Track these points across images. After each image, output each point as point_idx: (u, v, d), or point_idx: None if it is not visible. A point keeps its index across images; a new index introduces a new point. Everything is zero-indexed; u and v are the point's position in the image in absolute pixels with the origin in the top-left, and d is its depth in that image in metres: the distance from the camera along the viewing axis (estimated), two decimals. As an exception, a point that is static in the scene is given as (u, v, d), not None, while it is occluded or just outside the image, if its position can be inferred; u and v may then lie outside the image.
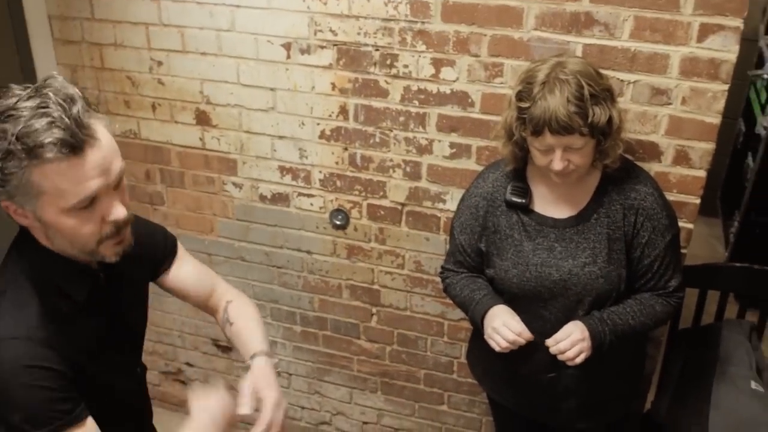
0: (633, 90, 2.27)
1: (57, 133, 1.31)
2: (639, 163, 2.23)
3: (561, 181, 2.02)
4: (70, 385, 1.46)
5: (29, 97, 1.34)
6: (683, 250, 2.41)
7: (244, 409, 1.65)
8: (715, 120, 2.25)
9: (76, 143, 1.33)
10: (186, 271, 1.92)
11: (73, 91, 1.38)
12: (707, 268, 2.76)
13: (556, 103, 1.88)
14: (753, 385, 2.57)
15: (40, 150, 1.31)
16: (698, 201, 2.38)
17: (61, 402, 1.44)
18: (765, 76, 3.91)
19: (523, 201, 2.12)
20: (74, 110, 1.34)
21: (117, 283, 1.64)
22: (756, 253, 3.77)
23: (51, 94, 1.34)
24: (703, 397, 2.55)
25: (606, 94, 1.95)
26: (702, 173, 2.33)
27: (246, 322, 1.90)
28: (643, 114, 2.28)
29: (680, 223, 2.29)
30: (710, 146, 2.29)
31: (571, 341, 2.01)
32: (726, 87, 2.22)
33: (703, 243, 4.45)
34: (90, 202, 1.40)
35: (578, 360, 2.01)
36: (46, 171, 1.33)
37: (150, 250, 1.82)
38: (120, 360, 1.71)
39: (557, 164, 1.95)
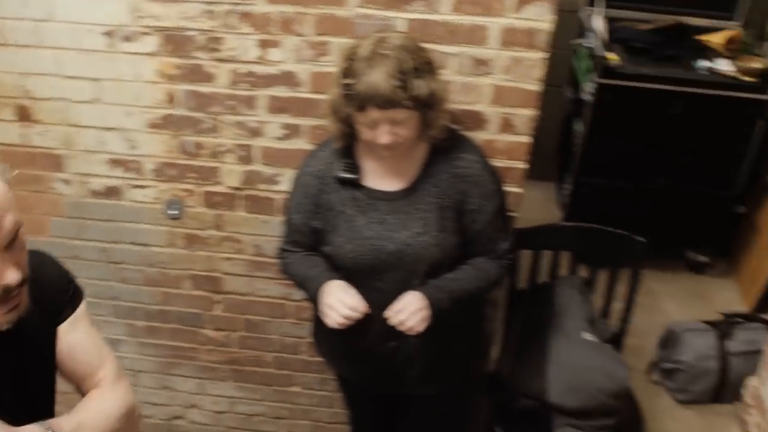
0: (456, 62, 2.32)
1: None
2: (466, 133, 2.30)
3: (388, 154, 2.06)
4: None
5: None
6: (515, 214, 2.51)
7: None
8: (535, 87, 2.34)
9: None
10: (80, 335, 1.60)
11: None
12: (540, 230, 2.89)
13: (378, 77, 1.90)
14: (585, 335, 2.72)
15: None
16: (525, 166, 2.49)
17: None
18: (585, 45, 4.09)
19: (354, 177, 2.14)
20: None
21: (19, 342, 1.41)
22: (588, 213, 3.95)
23: None
24: (541, 352, 2.68)
25: (428, 67, 2.00)
26: (526, 139, 2.43)
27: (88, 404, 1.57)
28: (467, 85, 2.35)
29: (509, 188, 2.38)
30: (532, 113, 2.39)
31: (409, 311, 2.05)
32: (543, 55, 2.30)
33: (541, 207, 4.62)
34: None
35: (419, 329, 2.06)
36: None
37: (52, 295, 1.54)
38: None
39: (383, 138, 1.98)
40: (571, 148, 4.22)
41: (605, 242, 2.90)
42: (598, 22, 4.12)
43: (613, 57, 3.86)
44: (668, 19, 4.25)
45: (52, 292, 1.53)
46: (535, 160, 4.76)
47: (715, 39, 4.15)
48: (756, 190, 4.28)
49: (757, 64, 3.91)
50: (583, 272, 3.01)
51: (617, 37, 4.14)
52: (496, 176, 2.21)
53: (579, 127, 4.08)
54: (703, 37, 4.21)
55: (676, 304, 4.18)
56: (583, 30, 4.26)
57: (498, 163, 2.36)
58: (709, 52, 4.13)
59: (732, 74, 3.92)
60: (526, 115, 2.38)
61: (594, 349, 2.69)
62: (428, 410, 2.53)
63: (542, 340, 2.71)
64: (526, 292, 2.95)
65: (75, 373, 1.60)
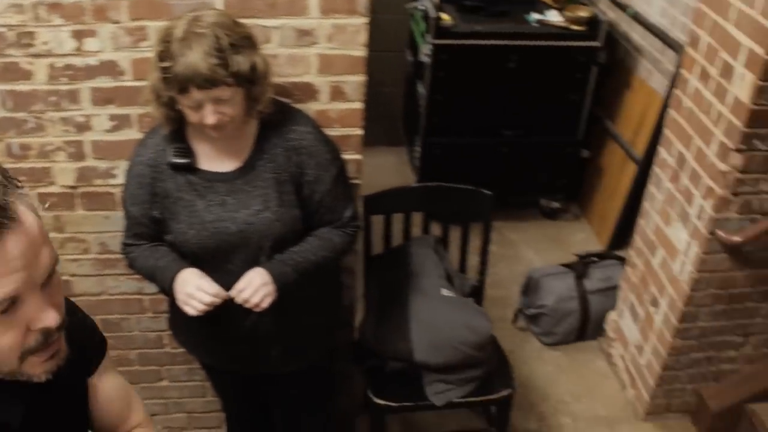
0: (279, 35, 2.30)
1: None
2: (298, 105, 2.29)
3: (218, 135, 2.02)
4: None
5: None
6: (357, 181, 2.52)
7: None
8: (361, 53, 2.34)
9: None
10: (109, 383, 1.53)
11: None
12: (388, 194, 2.91)
13: (195, 57, 1.87)
14: (443, 291, 2.77)
15: None
16: (360, 132, 2.48)
17: None
18: (420, 7, 4.14)
19: (187, 161, 2.10)
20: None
21: (54, 395, 1.29)
22: (441, 173, 4.02)
23: None
24: (402, 313, 2.71)
25: (246, 42, 1.97)
26: (359, 105, 2.43)
27: None
28: (293, 56, 2.33)
29: (348, 156, 2.39)
30: (361, 78, 2.39)
31: (253, 288, 2.04)
32: (365, 20, 2.31)
33: (394, 171, 4.69)
34: (9, 305, 1.04)
35: (264, 305, 2.06)
36: None
37: (82, 343, 1.38)
38: None
39: (209, 118, 1.95)
40: (417, 111, 4.27)
41: (453, 199, 2.96)
42: (431, -16, 4.17)
43: (446, 17, 3.92)
44: (500, -25, 4.35)
45: (82, 339, 1.38)
46: (385, 126, 4.88)
47: (543, -9, 4.28)
48: (597, 133, 4.46)
49: (583, 13, 4.05)
50: (436, 231, 3.07)
51: (449, -3, 4.22)
52: (330, 145, 2.20)
53: (421, 89, 4.14)
54: (532, -9, 4.34)
55: (535, 252, 4.32)
56: (417, -7, 4.32)
57: (333, 132, 2.36)
58: (539, 5, 4.26)
59: (562, 24, 4.05)
60: (355, 81, 2.38)
61: (453, 304, 2.74)
62: (296, 387, 2.53)
63: (401, 301, 2.74)
64: (381, 257, 2.98)
65: (109, 423, 1.54)
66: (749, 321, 3.13)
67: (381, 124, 4.95)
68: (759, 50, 2.47)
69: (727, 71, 2.66)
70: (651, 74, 4.05)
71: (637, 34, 4.18)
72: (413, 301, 2.74)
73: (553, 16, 4.11)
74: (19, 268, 1.02)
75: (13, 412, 1.22)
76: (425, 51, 3.98)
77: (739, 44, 2.58)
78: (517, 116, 4.23)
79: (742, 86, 2.57)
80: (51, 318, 1.09)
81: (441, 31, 3.88)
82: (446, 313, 2.69)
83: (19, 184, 1.07)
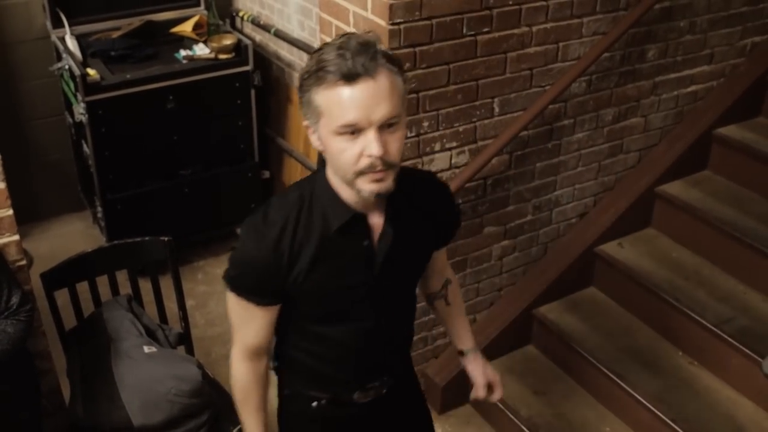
0: None
1: (339, 63, 1.53)
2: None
3: None
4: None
5: (336, 41, 1.57)
6: (21, 263, 2.39)
7: (481, 392, 2.21)
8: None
9: (350, 75, 1.52)
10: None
11: (374, 39, 1.59)
12: (64, 267, 2.77)
13: None
14: (146, 349, 2.70)
15: (322, 74, 1.55)
16: (10, 212, 2.36)
17: None
18: (66, 66, 3.99)
19: None
20: (362, 52, 1.53)
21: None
22: (129, 227, 3.93)
23: (353, 39, 1.56)
24: (108, 382, 2.62)
25: None
26: (1, 185, 2.30)
27: (460, 310, 2.26)
28: None
29: (2, 239, 2.27)
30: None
31: None
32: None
33: (84, 238, 4.49)
34: (353, 132, 1.57)
35: None
36: (323, 93, 1.56)
37: (443, 219, 1.98)
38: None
39: None
40: (89, 172, 4.13)
41: (131, 253, 2.89)
42: (69, 42, 4.04)
43: (92, 72, 3.81)
44: (136, 21, 4.29)
45: (445, 220, 2.01)
46: (63, 193, 4.67)
47: (185, 27, 4.30)
48: (272, 152, 4.56)
49: (228, 41, 4.12)
50: (126, 289, 2.98)
51: (95, 50, 4.11)
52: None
53: (87, 149, 4.00)
54: (175, 29, 4.34)
55: (243, 281, 4.31)
56: (59, 53, 4.16)
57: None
58: (186, 41, 4.27)
59: (210, 56, 4.09)
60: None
61: (157, 359, 2.68)
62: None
63: (105, 370, 2.64)
64: (76, 330, 2.85)
65: (434, 270, 2.14)
66: (445, 293, 3.32)
67: (59, 193, 4.74)
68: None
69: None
70: (307, 86, 4.19)
71: (285, 51, 4.31)
72: (117, 367, 2.64)
73: (201, 50, 4.13)
74: (359, 106, 1.55)
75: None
76: (80, 110, 3.85)
77: (363, 46, 2.73)
78: (191, 154, 4.21)
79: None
80: (373, 148, 1.56)
81: (90, 87, 3.77)
82: (151, 369, 2.62)
83: (401, 65, 1.65)
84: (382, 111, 1.55)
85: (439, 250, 2.05)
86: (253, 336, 1.87)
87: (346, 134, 1.56)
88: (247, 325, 1.87)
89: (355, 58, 1.52)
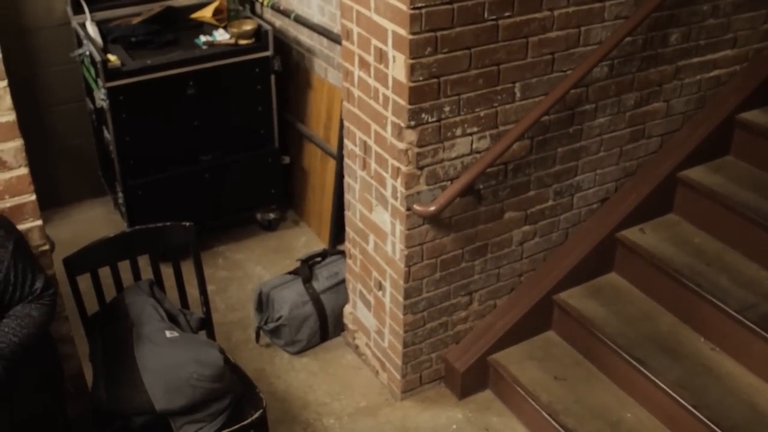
0: None
1: None
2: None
3: None
4: None
5: None
6: (44, 247, 2.41)
7: None
8: (9, 117, 2.24)
9: None
10: None
11: None
12: (86, 251, 2.80)
13: None
14: (168, 334, 2.71)
15: None
16: (33, 197, 2.37)
17: None
18: (87, 52, 4.01)
19: None
20: None
21: None
22: (149, 213, 3.94)
23: None
24: (131, 367, 2.64)
25: None
26: (24, 171, 2.32)
27: None
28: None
29: (27, 224, 2.28)
30: (18, 143, 2.28)
31: None
32: (4, 83, 2.20)
33: (105, 224, 4.52)
34: None
35: None
36: None
37: None
38: None
39: None
40: (109, 157, 4.15)
41: (156, 238, 2.90)
42: (90, 28, 4.06)
43: (113, 58, 3.82)
44: (156, 6, 4.30)
45: None
46: (84, 178, 4.70)
47: (205, 13, 4.29)
48: (293, 137, 4.56)
49: (248, 26, 4.11)
50: (148, 274, 3.00)
51: (115, 37, 4.12)
52: (1, 220, 2.09)
53: (108, 135, 4.02)
54: (195, 15, 4.34)
55: (263, 267, 4.35)
56: (80, 39, 4.17)
57: (4, 204, 2.24)
58: (206, 27, 4.27)
59: (230, 41, 4.09)
60: (13, 147, 2.27)
61: (179, 343, 2.69)
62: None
63: (127, 355, 2.65)
64: (98, 315, 2.87)
65: None
66: (468, 280, 3.32)
67: (79, 178, 4.77)
68: (402, 31, 2.63)
69: (381, 56, 2.81)
70: (327, 71, 4.19)
71: (305, 36, 4.30)
72: (139, 352, 2.66)
73: (221, 35, 4.13)
74: None
75: None
76: (100, 96, 3.86)
77: (385, 30, 2.73)
78: (211, 139, 4.22)
79: (397, 67, 2.73)
80: None
81: (111, 73, 3.78)
82: (173, 354, 2.64)
83: None
84: None
85: None
86: None
87: None
88: None
89: None
